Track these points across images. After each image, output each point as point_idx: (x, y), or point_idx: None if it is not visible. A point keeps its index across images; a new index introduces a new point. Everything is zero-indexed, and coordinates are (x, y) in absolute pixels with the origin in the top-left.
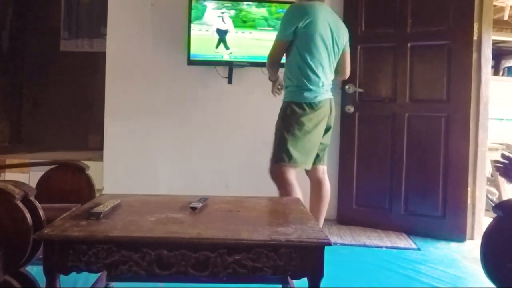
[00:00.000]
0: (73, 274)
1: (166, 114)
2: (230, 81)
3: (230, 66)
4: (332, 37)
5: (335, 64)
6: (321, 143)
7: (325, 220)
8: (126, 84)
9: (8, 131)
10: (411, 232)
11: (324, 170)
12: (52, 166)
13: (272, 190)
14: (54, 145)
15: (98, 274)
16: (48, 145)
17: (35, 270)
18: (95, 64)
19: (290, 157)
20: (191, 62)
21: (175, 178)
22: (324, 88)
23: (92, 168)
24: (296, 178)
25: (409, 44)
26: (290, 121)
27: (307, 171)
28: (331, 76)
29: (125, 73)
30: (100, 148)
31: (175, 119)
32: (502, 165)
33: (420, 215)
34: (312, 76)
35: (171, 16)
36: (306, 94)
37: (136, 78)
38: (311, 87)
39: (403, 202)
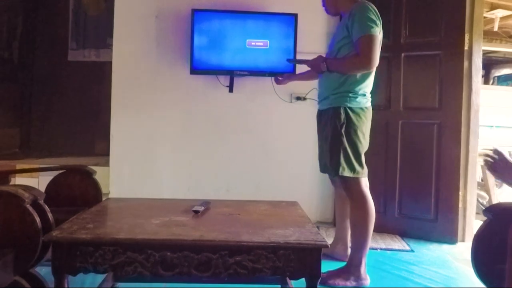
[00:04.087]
0: (81, 274)
1: (169, 121)
2: (231, 90)
3: (231, 75)
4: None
5: None
6: None
7: (322, 223)
8: (131, 93)
9: (18, 138)
10: (405, 234)
11: (367, 183)
12: (61, 171)
13: (271, 194)
14: (62, 151)
15: (105, 275)
16: (57, 151)
17: (44, 271)
18: (101, 73)
19: (362, 167)
20: (193, 71)
21: (178, 182)
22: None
23: (99, 173)
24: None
25: (403, 54)
26: (347, 128)
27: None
28: None
29: (130, 82)
30: (107, 153)
31: (178, 126)
32: (492, 160)
33: (413, 218)
34: (368, 81)
35: (174, 28)
36: (360, 99)
37: (141, 87)
38: (365, 92)
39: (397, 205)
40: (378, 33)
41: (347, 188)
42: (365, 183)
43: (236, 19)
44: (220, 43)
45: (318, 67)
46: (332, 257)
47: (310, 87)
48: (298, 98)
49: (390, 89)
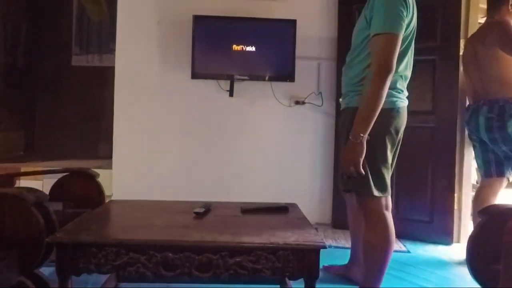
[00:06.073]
0: (84, 275)
1: (171, 124)
2: (231, 94)
3: (232, 79)
4: (415, 30)
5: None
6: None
7: (321, 224)
8: (134, 97)
9: (23, 141)
10: (401, 235)
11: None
12: (64, 174)
13: (270, 196)
14: (65, 154)
15: (108, 275)
16: (60, 153)
17: (48, 272)
18: (104, 77)
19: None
20: (195, 76)
21: (180, 185)
22: (404, 94)
23: (102, 176)
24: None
25: None
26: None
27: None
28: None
29: (132, 86)
30: (109, 156)
31: (179, 130)
32: None
33: (409, 220)
34: (394, 78)
35: (176, 33)
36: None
37: (143, 91)
38: (391, 91)
39: (394, 207)
40: (403, 25)
41: (360, 206)
42: (385, 203)
43: (237, 25)
44: (221, 48)
45: (354, 149)
46: (349, 280)
47: (309, 91)
48: (297, 103)
49: None
